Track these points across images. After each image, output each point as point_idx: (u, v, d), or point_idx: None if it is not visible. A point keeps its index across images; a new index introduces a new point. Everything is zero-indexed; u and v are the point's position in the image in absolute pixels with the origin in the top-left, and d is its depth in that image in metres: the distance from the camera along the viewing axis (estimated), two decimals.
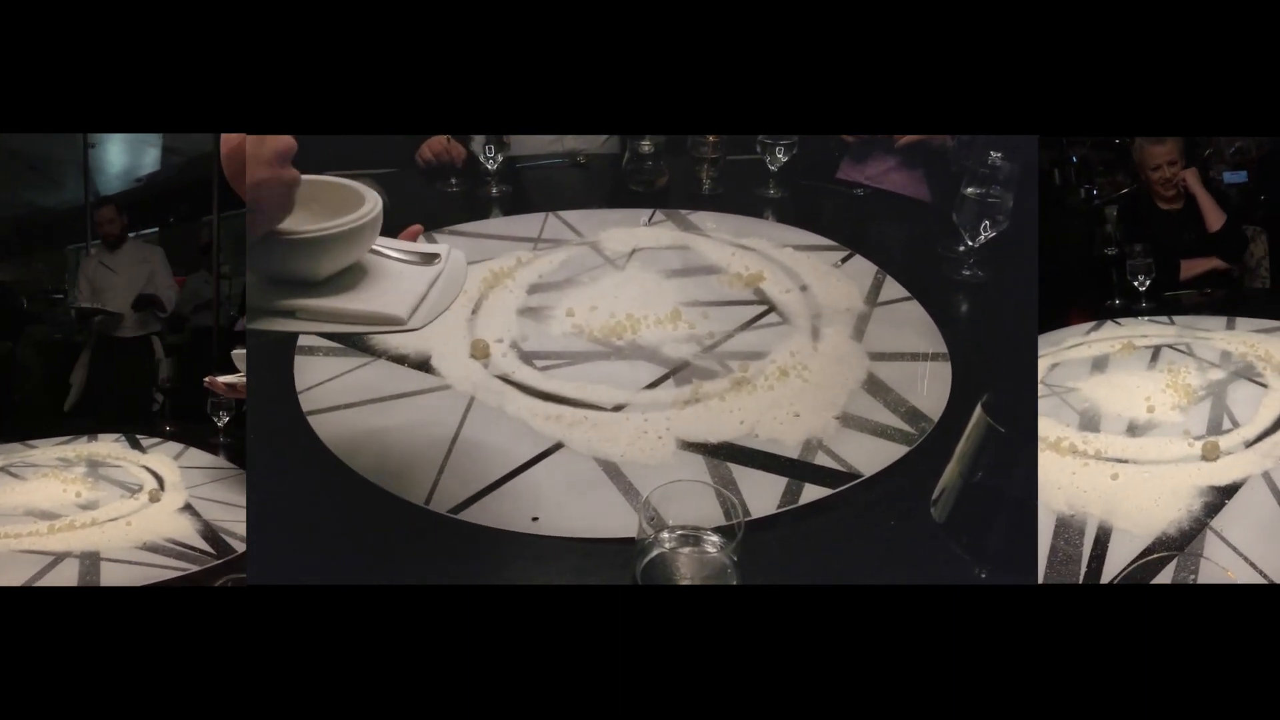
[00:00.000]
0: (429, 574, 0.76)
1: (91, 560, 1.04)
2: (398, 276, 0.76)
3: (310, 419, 0.95)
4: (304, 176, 0.74)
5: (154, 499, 1.21)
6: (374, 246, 0.77)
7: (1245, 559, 0.78)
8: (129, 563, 1.04)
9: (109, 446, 1.46)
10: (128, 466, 1.36)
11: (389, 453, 0.90)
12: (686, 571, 0.69)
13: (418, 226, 0.85)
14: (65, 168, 2.70)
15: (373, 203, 0.74)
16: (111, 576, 1.01)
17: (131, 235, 2.99)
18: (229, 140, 0.68)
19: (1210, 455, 0.95)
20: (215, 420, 1.52)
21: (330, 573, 0.76)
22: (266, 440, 0.94)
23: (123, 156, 3.19)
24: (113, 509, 1.19)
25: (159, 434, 1.53)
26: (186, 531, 1.12)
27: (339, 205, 0.73)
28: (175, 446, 1.45)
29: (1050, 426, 1.04)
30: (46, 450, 1.45)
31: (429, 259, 0.78)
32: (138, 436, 1.51)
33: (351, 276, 0.74)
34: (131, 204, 3.17)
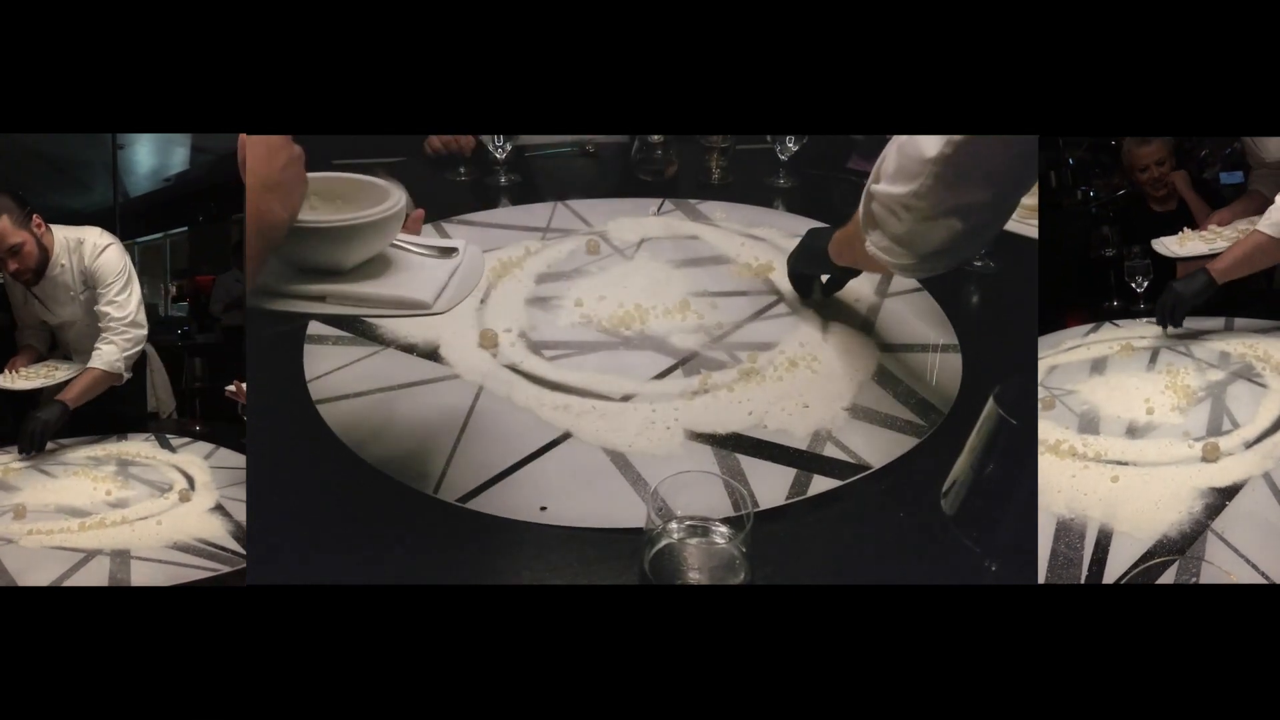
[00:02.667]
0: (436, 563, 0.76)
1: (122, 558, 1.03)
2: (419, 267, 0.80)
3: (319, 407, 0.95)
4: (332, 174, 0.77)
5: (184, 499, 1.21)
6: (395, 240, 0.80)
7: (1246, 560, 0.79)
8: (159, 561, 1.03)
9: (139, 445, 1.45)
10: (158, 466, 1.35)
11: (397, 441, 0.90)
12: (695, 562, 0.69)
13: (420, 211, 0.88)
14: (94, 169, 2.51)
15: (397, 197, 0.78)
16: (142, 575, 1.00)
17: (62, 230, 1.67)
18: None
19: (1210, 457, 0.95)
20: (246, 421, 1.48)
21: (336, 561, 0.76)
22: (273, 428, 0.94)
23: (151, 157, 3.03)
24: (143, 508, 1.18)
25: (189, 434, 1.51)
26: (218, 532, 1.12)
27: (365, 199, 0.77)
28: (206, 446, 1.44)
29: (1050, 429, 1.04)
30: (77, 448, 1.44)
31: (447, 252, 0.82)
32: (168, 436, 1.50)
33: (376, 266, 0.78)
34: (161, 204, 2.92)
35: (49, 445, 1.47)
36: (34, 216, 1.61)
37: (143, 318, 1.69)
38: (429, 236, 0.87)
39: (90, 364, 1.61)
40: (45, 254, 1.64)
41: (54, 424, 1.51)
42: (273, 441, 0.92)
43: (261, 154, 0.70)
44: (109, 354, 1.62)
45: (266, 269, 0.77)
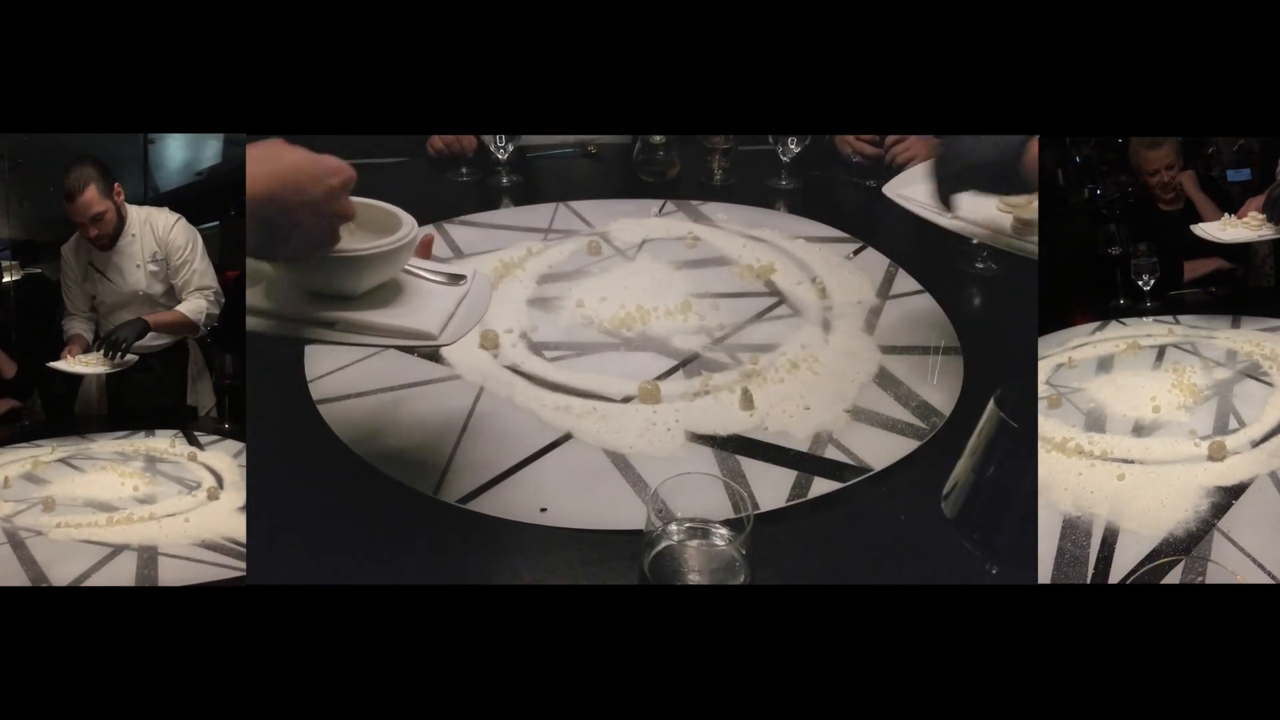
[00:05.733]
0: (436, 564, 0.76)
1: (149, 554, 1.03)
2: (428, 295, 0.82)
3: (320, 408, 0.95)
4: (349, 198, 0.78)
5: (213, 497, 1.21)
6: (406, 266, 0.81)
7: (1253, 559, 0.78)
8: (187, 559, 1.03)
9: (167, 442, 1.46)
10: (186, 463, 1.36)
11: (398, 442, 0.90)
12: (695, 564, 0.69)
13: (431, 235, 0.89)
14: (125, 164, 2.48)
15: (409, 226, 0.80)
16: (169, 572, 1.00)
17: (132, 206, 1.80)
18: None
19: (1217, 455, 0.95)
20: None
21: (336, 561, 0.76)
22: (274, 429, 0.94)
23: (183, 151, 3.01)
24: (170, 505, 1.18)
25: (218, 431, 1.52)
26: (245, 532, 1.12)
27: (378, 227, 0.79)
28: (234, 445, 1.44)
29: (1056, 427, 1.04)
30: (104, 444, 1.45)
31: (456, 279, 0.84)
32: (196, 433, 1.50)
33: (386, 293, 0.81)
34: (192, 198, 2.88)
35: (63, 440, 1.49)
36: (115, 184, 1.75)
37: (219, 289, 1.82)
38: (439, 261, 0.89)
39: (177, 308, 1.76)
40: (122, 222, 1.76)
41: (133, 335, 1.66)
42: (274, 442, 0.92)
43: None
44: (195, 304, 1.77)
45: (276, 294, 0.80)
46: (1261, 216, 1.46)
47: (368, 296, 0.81)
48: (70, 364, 1.70)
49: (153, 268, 1.79)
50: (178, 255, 1.78)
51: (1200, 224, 1.53)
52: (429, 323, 0.78)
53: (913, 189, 1.20)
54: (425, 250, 0.88)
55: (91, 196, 1.69)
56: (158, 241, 1.78)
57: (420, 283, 0.84)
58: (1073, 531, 0.84)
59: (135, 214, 1.79)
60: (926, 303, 1.20)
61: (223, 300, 1.84)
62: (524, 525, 0.79)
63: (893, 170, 1.60)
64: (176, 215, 1.83)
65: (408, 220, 0.82)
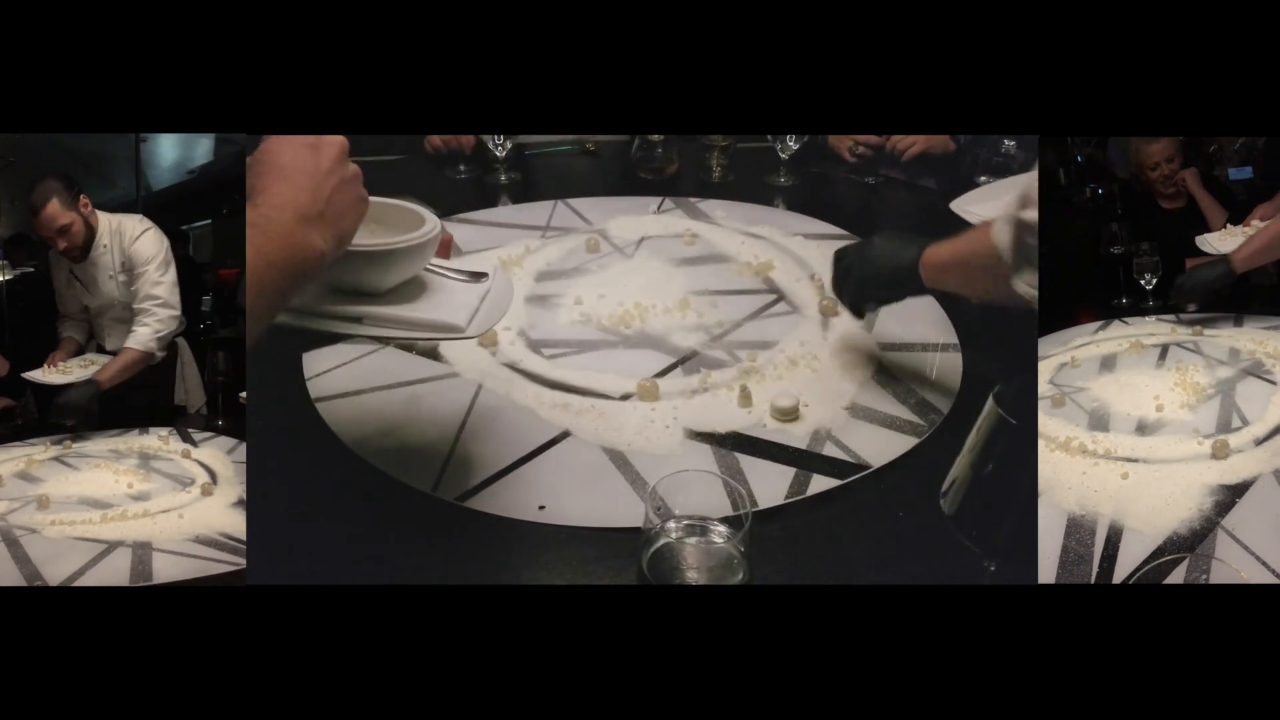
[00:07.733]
0: (435, 562, 0.76)
1: (144, 550, 1.03)
2: (452, 291, 0.83)
3: (318, 405, 0.95)
4: (371, 199, 0.78)
5: (206, 493, 1.21)
6: (428, 265, 0.82)
7: (1257, 557, 0.78)
8: (181, 554, 1.03)
9: (160, 439, 1.46)
10: (179, 460, 1.36)
11: (396, 440, 0.90)
12: (693, 562, 0.69)
13: (450, 234, 0.89)
14: (117, 163, 2.47)
15: (433, 223, 0.80)
16: (164, 568, 1.00)
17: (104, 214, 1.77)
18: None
19: (1220, 454, 0.94)
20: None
21: (335, 560, 0.76)
22: (273, 426, 0.94)
23: (175, 150, 3.00)
24: (164, 501, 1.18)
25: (211, 428, 1.51)
26: (240, 526, 1.11)
27: (402, 225, 0.79)
28: (228, 441, 1.44)
29: (1060, 426, 1.03)
30: (98, 441, 1.45)
31: (478, 277, 0.85)
32: (190, 430, 1.50)
33: (411, 289, 0.82)
34: (184, 196, 2.82)
35: (79, 437, 1.48)
36: (81, 196, 1.71)
37: (176, 300, 1.76)
38: (460, 260, 0.89)
39: (126, 345, 1.69)
40: (91, 233, 1.72)
41: (83, 401, 1.55)
42: (272, 440, 0.92)
43: (304, 183, 0.62)
44: (143, 335, 1.70)
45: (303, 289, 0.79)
46: (1263, 225, 1.45)
47: (393, 292, 0.81)
48: (45, 374, 1.68)
49: (123, 278, 1.76)
50: (140, 266, 1.73)
51: (1204, 235, 1.52)
52: (455, 316, 0.79)
53: (984, 206, 1.20)
54: (445, 250, 0.88)
55: (54, 210, 1.65)
56: (123, 251, 1.75)
57: (444, 281, 0.84)
58: (1077, 530, 0.84)
59: (106, 224, 1.75)
60: (925, 300, 1.19)
61: (175, 313, 1.74)
62: (522, 523, 0.79)
63: (894, 159, 1.60)
64: (147, 224, 1.78)
65: (430, 218, 0.83)
